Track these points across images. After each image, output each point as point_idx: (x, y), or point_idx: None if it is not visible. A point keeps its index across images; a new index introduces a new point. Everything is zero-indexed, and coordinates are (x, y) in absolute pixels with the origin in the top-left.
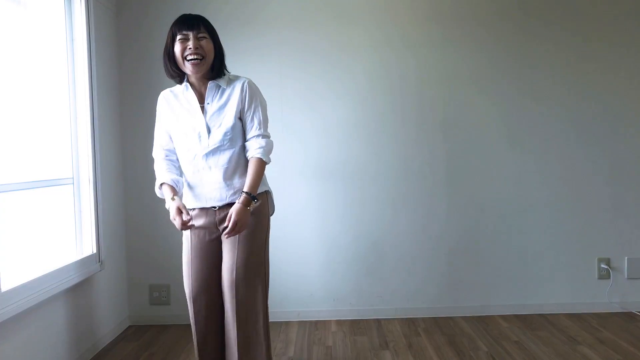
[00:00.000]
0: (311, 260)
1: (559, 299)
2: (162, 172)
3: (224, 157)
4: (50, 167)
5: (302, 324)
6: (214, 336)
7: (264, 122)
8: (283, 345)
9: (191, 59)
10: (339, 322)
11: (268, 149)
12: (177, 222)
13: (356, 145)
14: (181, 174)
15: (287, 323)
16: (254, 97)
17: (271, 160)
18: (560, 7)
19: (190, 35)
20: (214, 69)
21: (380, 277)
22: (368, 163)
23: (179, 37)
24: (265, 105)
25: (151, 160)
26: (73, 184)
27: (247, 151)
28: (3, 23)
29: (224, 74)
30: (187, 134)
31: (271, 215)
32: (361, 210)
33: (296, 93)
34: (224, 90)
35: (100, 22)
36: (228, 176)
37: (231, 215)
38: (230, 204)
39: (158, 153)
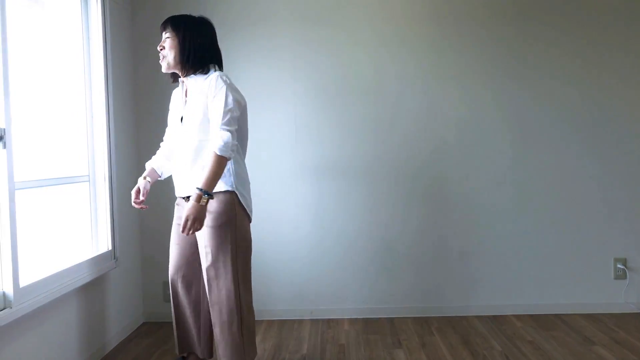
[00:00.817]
0: (324, 258)
1: (575, 299)
2: (154, 156)
3: (189, 148)
4: (67, 164)
5: (314, 322)
6: (189, 318)
7: (225, 116)
8: (296, 343)
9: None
10: (352, 321)
11: (226, 142)
12: (132, 198)
13: (368, 145)
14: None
15: (300, 321)
16: (217, 91)
17: (231, 156)
18: (561, 8)
19: (162, 36)
20: (183, 65)
21: (393, 276)
22: (380, 162)
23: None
24: (235, 100)
25: None
26: (89, 181)
27: None
28: (21, 22)
29: (208, 70)
30: (172, 125)
31: (249, 220)
32: (374, 209)
33: (308, 93)
34: (199, 85)
35: (116, 21)
36: (190, 167)
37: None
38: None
39: (163, 141)
